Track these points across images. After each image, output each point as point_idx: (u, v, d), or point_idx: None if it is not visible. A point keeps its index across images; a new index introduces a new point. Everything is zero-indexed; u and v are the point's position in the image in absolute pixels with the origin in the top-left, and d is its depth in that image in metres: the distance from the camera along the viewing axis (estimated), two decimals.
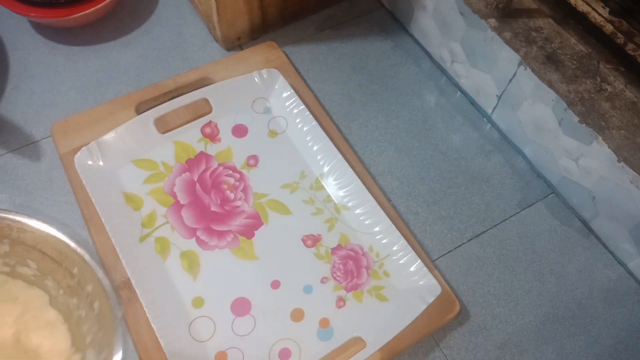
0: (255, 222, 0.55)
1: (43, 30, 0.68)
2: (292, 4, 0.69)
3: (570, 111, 0.52)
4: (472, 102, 0.66)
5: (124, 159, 0.57)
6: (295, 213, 0.56)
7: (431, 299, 0.50)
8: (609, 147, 0.50)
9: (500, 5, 0.57)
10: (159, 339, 0.47)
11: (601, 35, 0.53)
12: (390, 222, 0.54)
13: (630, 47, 0.51)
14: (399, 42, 0.71)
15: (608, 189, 0.53)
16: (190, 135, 0.60)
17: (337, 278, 0.53)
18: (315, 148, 0.59)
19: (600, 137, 0.50)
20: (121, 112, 0.59)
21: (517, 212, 0.59)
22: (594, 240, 0.58)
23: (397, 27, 0.72)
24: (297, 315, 0.51)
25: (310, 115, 0.60)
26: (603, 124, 0.51)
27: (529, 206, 0.59)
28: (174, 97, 0.60)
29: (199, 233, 0.54)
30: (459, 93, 0.67)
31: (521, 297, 0.54)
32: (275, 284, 0.52)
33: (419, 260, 0.52)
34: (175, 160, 0.58)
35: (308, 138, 0.60)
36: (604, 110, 0.52)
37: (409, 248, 0.53)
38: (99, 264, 0.45)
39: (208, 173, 0.58)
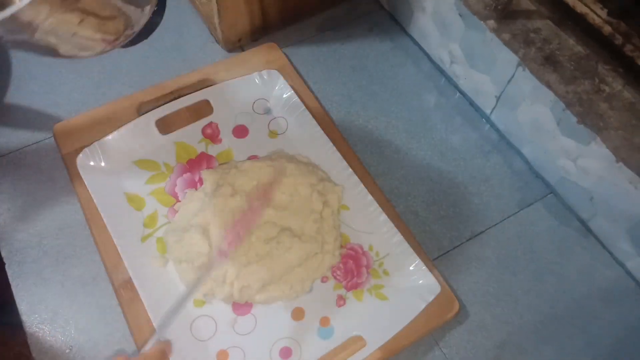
0: None
1: None
2: (293, 5, 0.69)
3: (569, 112, 0.53)
4: (471, 103, 0.67)
5: (125, 159, 0.57)
6: None
7: (431, 298, 0.50)
8: (607, 148, 0.50)
9: (499, 7, 0.57)
10: (160, 339, 0.47)
11: (599, 37, 0.53)
12: (390, 222, 0.55)
13: (628, 48, 0.51)
14: (399, 43, 0.71)
15: (606, 189, 0.53)
16: (191, 136, 0.60)
17: (337, 277, 0.53)
18: (315, 148, 0.59)
19: (598, 138, 0.51)
20: (123, 113, 0.60)
21: (516, 212, 0.59)
22: (593, 240, 0.58)
23: (397, 28, 0.73)
24: (298, 314, 0.51)
25: (310, 116, 0.61)
26: (601, 124, 0.51)
27: (528, 206, 0.60)
28: (175, 98, 0.60)
29: None
30: (458, 94, 0.67)
31: (520, 297, 0.54)
32: None
33: (419, 260, 0.53)
34: (177, 160, 0.58)
35: (308, 138, 0.60)
36: (602, 111, 0.52)
37: (409, 247, 0.53)
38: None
39: None
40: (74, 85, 0.65)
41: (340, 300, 0.52)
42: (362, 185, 0.57)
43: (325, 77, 0.67)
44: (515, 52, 0.56)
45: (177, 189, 0.57)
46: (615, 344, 0.52)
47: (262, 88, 0.63)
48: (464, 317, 0.53)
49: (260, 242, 0.51)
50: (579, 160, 0.55)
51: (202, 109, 0.61)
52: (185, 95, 0.61)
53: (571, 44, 0.56)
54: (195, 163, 0.58)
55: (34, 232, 0.55)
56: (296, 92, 0.62)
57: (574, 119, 0.52)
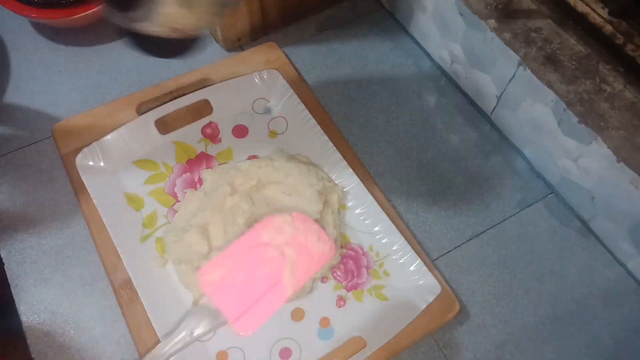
0: None
1: (44, 30, 0.68)
2: (293, 4, 0.69)
3: (570, 111, 0.52)
4: (472, 103, 0.66)
5: (124, 159, 0.57)
6: None
7: (431, 299, 0.50)
8: (608, 148, 0.50)
9: (499, 6, 0.57)
10: (160, 339, 0.47)
11: (600, 36, 0.53)
12: (390, 222, 0.55)
13: (629, 47, 0.51)
14: (399, 42, 0.71)
15: (607, 189, 0.53)
16: (191, 136, 0.60)
17: (338, 277, 0.53)
18: (315, 148, 0.59)
19: (599, 138, 0.51)
20: (122, 113, 0.60)
21: (517, 212, 0.59)
22: (593, 240, 0.58)
23: (397, 27, 0.72)
24: (298, 314, 0.51)
25: (310, 116, 0.60)
26: (602, 124, 0.51)
27: (529, 206, 0.60)
28: (174, 98, 0.60)
29: None
30: (458, 93, 0.67)
31: (520, 297, 0.54)
32: None
33: (419, 260, 0.52)
34: (176, 160, 0.58)
35: (308, 138, 0.60)
36: (603, 111, 0.52)
37: (409, 248, 0.53)
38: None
39: None
40: (73, 85, 0.65)
41: (341, 301, 0.52)
42: (362, 185, 0.57)
43: (325, 76, 0.67)
44: (516, 51, 0.56)
45: (176, 189, 0.57)
46: (615, 344, 0.52)
47: (261, 88, 0.63)
48: (465, 317, 0.53)
49: None
50: (580, 160, 0.54)
51: (202, 108, 0.61)
52: (184, 94, 0.60)
53: (572, 44, 0.56)
54: (194, 163, 0.58)
55: (33, 232, 0.54)
56: (296, 91, 0.62)
57: (575, 119, 0.52)
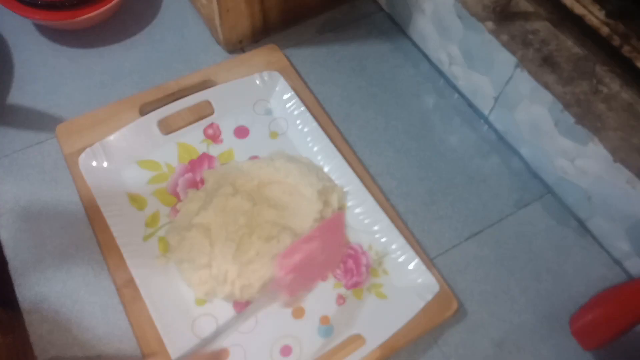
0: None
1: (47, 32, 0.69)
2: (293, 7, 0.70)
3: (567, 112, 0.53)
4: (470, 104, 0.67)
5: (127, 159, 0.58)
6: None
7: (429, 297, 0.51)
8: (605, 148, 0.51)
9: (497, 9, 0.57)
10: (162, 337, 0.48)
11: (597, 38, 0.54)
12: (389, 221, 0.55)
13: (626, 49, 0.51)
14: (398, 44, 0.72)
15: (604, 189, 0.54)
16: (193, 137, 0.61)
17: (337, 276, 0.54)
18: (315, 149, 0.60)
19: (596, 138, 0.51)
20: (125, 114, 0.60)
21: (514, 212, 0.60)
22: (590, 239, 0.58)
23: (396, 30, 0.73)
24: (298, 312, 0.52)
25: (311, 117, 0.61)
26: (599, 125, 0.52)
27: (526, 206, 0.60)
28: (177, 99, 0.61)
29: None
30: (456, 95, 0.68)
31: (518, 296, 0.55)
32: None
33: (418, 259, 0.53)
34: (178, 161, 0.59)
35: (308, 139, 0.61)
36: (600, 112, 0.52)
37: (408, 247, 0.54)
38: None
39: None
40: (77, 86, 0.65)
41: (340, 299, 0.52)
42: (362, 185, 0.57)
43: (325, 78, 0.68)
44: (514, 53, 0.56)
45: (178, 189, 0.57)
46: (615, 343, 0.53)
47: (262, 89, 0.63)
48: (463, 315, 0.53)
49: (261, 241, 0.51)
50: (577, 160, 0.55)
51: (204, 109, 0.61)
52: (186, 96, 0.61)
53: (569, 45, 0.57)
54: (196, 163, 0.59)
55: (36, 231, 0.55)
56: (296, 93, 0.63)
57: (572, 120, 0.53)
